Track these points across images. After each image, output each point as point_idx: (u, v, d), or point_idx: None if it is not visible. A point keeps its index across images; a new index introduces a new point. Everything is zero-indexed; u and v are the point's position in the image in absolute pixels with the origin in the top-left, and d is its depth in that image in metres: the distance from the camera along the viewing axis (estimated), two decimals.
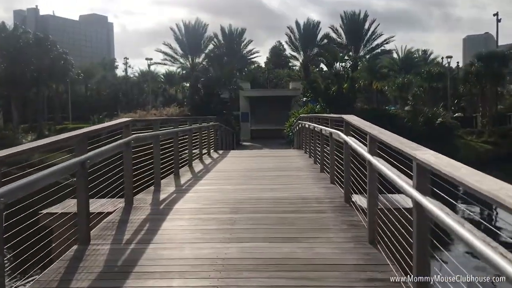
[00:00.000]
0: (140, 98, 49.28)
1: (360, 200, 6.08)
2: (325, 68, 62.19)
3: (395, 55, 55.61)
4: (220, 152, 15.75)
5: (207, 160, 12.65)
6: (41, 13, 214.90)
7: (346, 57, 27.02)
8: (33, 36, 40.43)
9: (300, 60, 42.95)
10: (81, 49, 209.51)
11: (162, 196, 7.26)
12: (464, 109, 49.54)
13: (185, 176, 9.50)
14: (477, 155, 28.52)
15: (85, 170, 4.93)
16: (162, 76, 60.91)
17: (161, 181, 8.34)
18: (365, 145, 5.22)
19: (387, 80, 44.09)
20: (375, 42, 39.06)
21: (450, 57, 39.48)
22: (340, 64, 25.26)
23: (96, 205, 6.44)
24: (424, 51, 65.66)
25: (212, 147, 15.52)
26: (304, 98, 26.76)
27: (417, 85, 44.84)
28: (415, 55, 61.76)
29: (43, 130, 41.17)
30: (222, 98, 27.65)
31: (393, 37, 39.89)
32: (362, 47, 38.18)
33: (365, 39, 38.75)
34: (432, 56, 65.08)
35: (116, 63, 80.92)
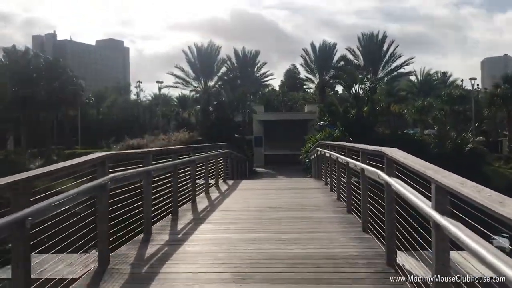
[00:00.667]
0: (152, 122, 48.30)
1: (410, 263, 4.50)
2: (340, 91, 60.86)
3: (413, 78, 54.19)
4: (230, 182, 14.23)
5: (214, 194, 11.13)
6: (59, 38, 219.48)
7: (365, 79, 25.55)
8: (43, 59, 39.96)
9: (316, 83, 41.66)
10: (97, 73, 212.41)
11: (150, 250, 5.72)
12: (486, 133, 47.52)
13: (185, 217, 7.97)
14: (509, 183, 26.58)
15: (25, 233, 3.44)
16: (176, 100, 60.12)
17: (154, 225, 6.83)
18: (421, 192, 3.74)
19: (406, 103, 42.54)
20: (394, 64, 37.64)
21: (474, 79, 37.72)
22: (360, 86, 23.79)
23: (63, 264, 4.97)
24: (444, 73, 64.07)
25: (221, 176, 14.05)
26: (321, 122, 25.24)
27: (438, 108, 43.34)
28: (434, 78, 60.30)
29: (51, 155, 40.23)
30: (234, 122, 26.31)
31: (412, 58, 38.41)
32: (380, 69, 36.71)
33: (384, 60, 37.32)
34: (451, 79, 63.58)
35: (132, 87, 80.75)
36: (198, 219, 7.81)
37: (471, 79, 38.21)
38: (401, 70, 37.54)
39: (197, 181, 10.76)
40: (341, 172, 9.28)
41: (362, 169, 6.26)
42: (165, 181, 8.13)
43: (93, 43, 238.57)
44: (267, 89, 71.60)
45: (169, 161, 7.87)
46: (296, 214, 8.07)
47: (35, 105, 38.12)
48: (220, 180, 13.82)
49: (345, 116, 23.02)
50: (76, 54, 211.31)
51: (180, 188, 9.10)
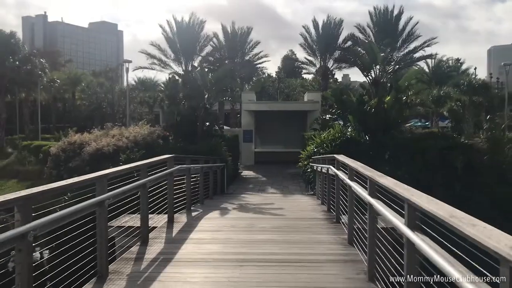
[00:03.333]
0: (130, 109, 41.82)
1: None
2: (340, 79, 54.03)
3: (421, 64, 47.92)
4: (180, 225, 8.21)
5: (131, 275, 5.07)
6: (50, 19, 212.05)
7: (389, 58, 18.95)
8: None
9: (318, 66, 35.34)
10: (89, 56, 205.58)
11: None
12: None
13: None
14: None
15: None
16: (162, 85, 53.75)
17: None
18: None
19: (415, 92, 36.61)
20: (413, 45, 31.11)
21: (509, 64, 31.38)
22: (380, 68, 17.37)
23: None
24: (457, 60, 57.83)
25: (167, 211, 8.08)
26: (327, 115, 19.12)
27: (455, 99, 37.58)
28: (446, 65, 54.23)
29: (5, 147, 34.06)
30: (210, 113, 20.11)
31: (434, 39, 31.71)
32: (396, 50, 30.26)
33: (400, 40, 30.87)
34: (463, 67, 57.57)
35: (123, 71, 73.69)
36: None
37: (505, 64, 31.92)
38: (422, 52, 30.90)
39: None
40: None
41: None
42: None
43: (86, 26, 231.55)
44: (262, 76, 65.33)
45: None
46: None
47: None
48: (162, 221, 7.88)
49: (361, 109, 16.96)
50: (68, 36, 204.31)
51: None
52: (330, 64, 33.98)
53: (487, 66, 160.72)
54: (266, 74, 70.65)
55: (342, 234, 7.21)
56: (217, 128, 18.74)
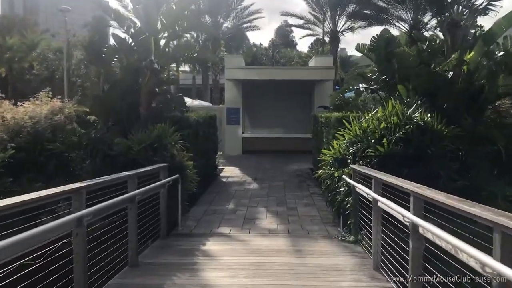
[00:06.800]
0: (86, 80, 33.97)
1: None
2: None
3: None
4: None
5: None
6: None
7: None
8: None
9: (328, 27, 27.47)
10: (71, 27, 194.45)
11: None
12: None
13: None
14: None
15: None
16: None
17: None
18: None
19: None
20: None
21: None
22: (456, 9, 9.82)
23: None
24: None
25: None
26: (361, 86, 11.53)
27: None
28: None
29: None
30: (171, 81, 12.31)
31: None
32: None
33: None
34: None
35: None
36: None
37: None
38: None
39: None
40: None
41: None
42: None
43: None
44: (254, 46, 57.67)
45: None
46: None
47: None
48: None
49: (426, 72, 9.56)
50: (49, 6, 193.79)
51: None
52: (341, 22, 26.12)
53: None
54: (259, 44, 63.01)
55: None
56: (174, 106, 11.00)
